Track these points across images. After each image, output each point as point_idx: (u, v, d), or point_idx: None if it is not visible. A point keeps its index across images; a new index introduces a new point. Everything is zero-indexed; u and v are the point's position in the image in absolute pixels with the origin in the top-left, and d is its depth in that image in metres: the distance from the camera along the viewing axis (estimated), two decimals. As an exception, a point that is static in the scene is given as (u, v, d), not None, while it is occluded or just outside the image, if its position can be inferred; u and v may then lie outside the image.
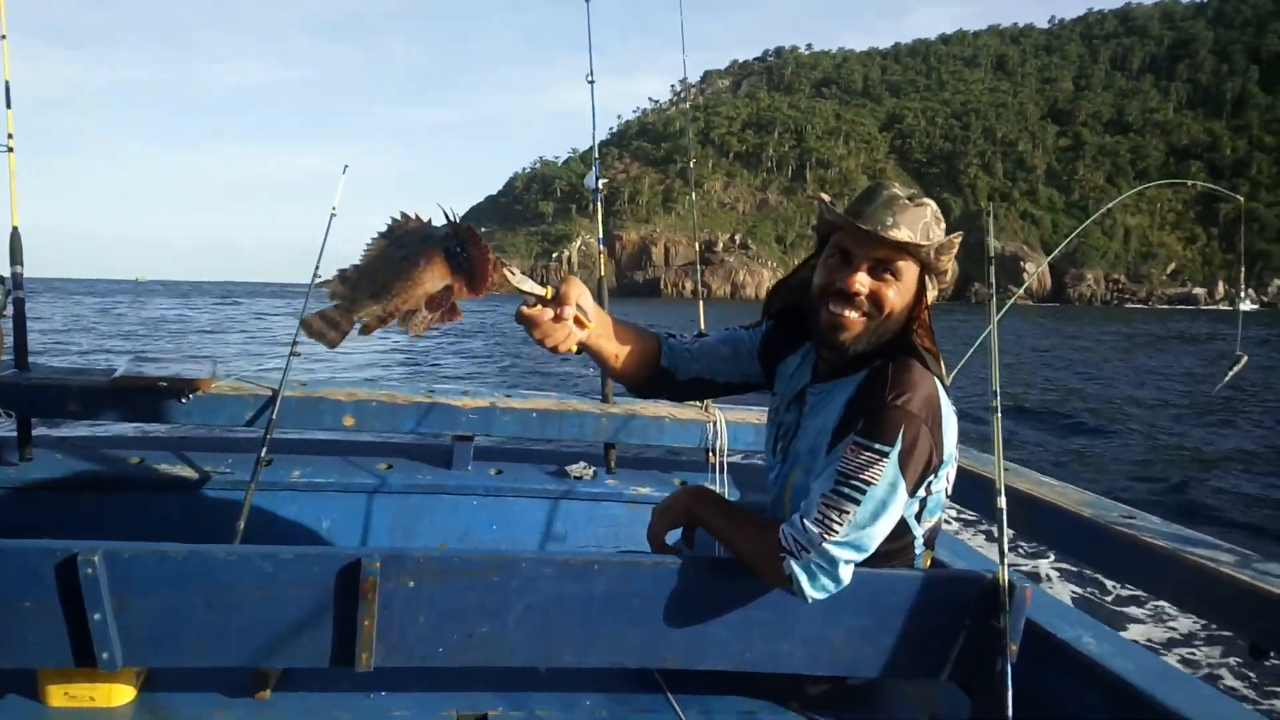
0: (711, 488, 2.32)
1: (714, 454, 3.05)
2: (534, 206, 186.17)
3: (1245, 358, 2.66)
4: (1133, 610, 5.50)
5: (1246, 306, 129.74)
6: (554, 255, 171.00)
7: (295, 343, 2.84)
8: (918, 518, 1.74)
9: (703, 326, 2.71)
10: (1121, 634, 2.01)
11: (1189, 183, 3.34)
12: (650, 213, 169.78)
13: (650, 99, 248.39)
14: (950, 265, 1.70)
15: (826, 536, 1.53)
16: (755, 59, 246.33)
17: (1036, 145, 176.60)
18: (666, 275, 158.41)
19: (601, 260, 3.50)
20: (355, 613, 1.58)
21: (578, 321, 1.54)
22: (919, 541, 1.76)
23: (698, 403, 3.12)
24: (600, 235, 3.48)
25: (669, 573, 1.69)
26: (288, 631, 1.59)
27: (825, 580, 1.58)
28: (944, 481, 1.71)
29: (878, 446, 1.54)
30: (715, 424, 3.07)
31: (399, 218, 1.36)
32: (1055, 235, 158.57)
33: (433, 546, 2.56)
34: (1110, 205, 3.61)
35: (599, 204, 3.36)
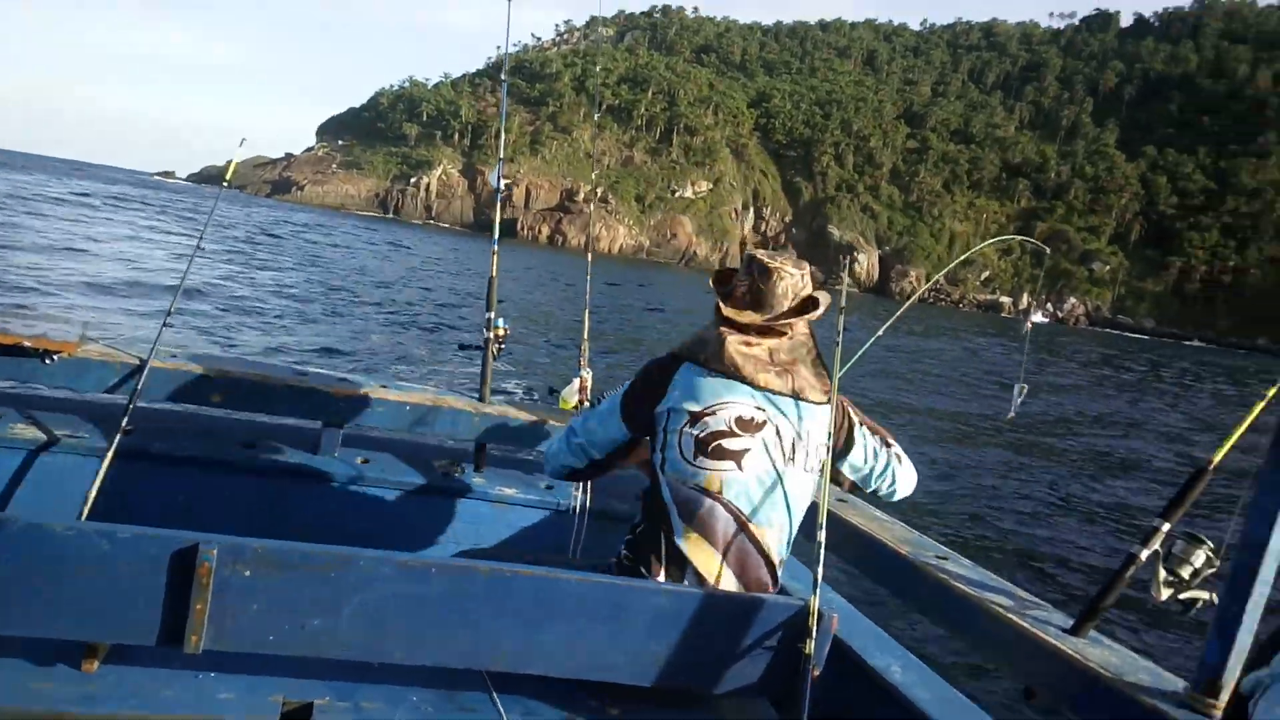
0: None
1: None
2: (397, 127, 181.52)
3: (1025, 386, 2.90)
4: (942, 644, 5.82)
5: (1038, 318, 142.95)
6: (411, 180, 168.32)
7: (170, 312, 2.90)
8: (662, 468, 2.09)
9: (589, 281, 3.22)
10: (927, 666, 2.19)
11: (1032, 241, 4.12)
12: (516, 153, 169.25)
13: (532, 34, 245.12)
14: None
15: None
16: (642, 13, 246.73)
17: (887, 144, 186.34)
18: (525, 218, 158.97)
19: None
20: (188, 596, 1.58)
21: None
22: (674, 510, 2.05)
23: (573, 409, 3.20)
24: (496, 236, 3.45)
25: (504, 580, 1.75)
26: (119, 608, 1.59)
27: (551, 444, 2.31)
28: (678, 434, 2.04)
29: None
30: None
31: None
32: (890, 230, 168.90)
33: (289, 532, 2.67)
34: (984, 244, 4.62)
35: (499, 204, 3.50)
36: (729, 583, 2.06)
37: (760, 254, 2.22)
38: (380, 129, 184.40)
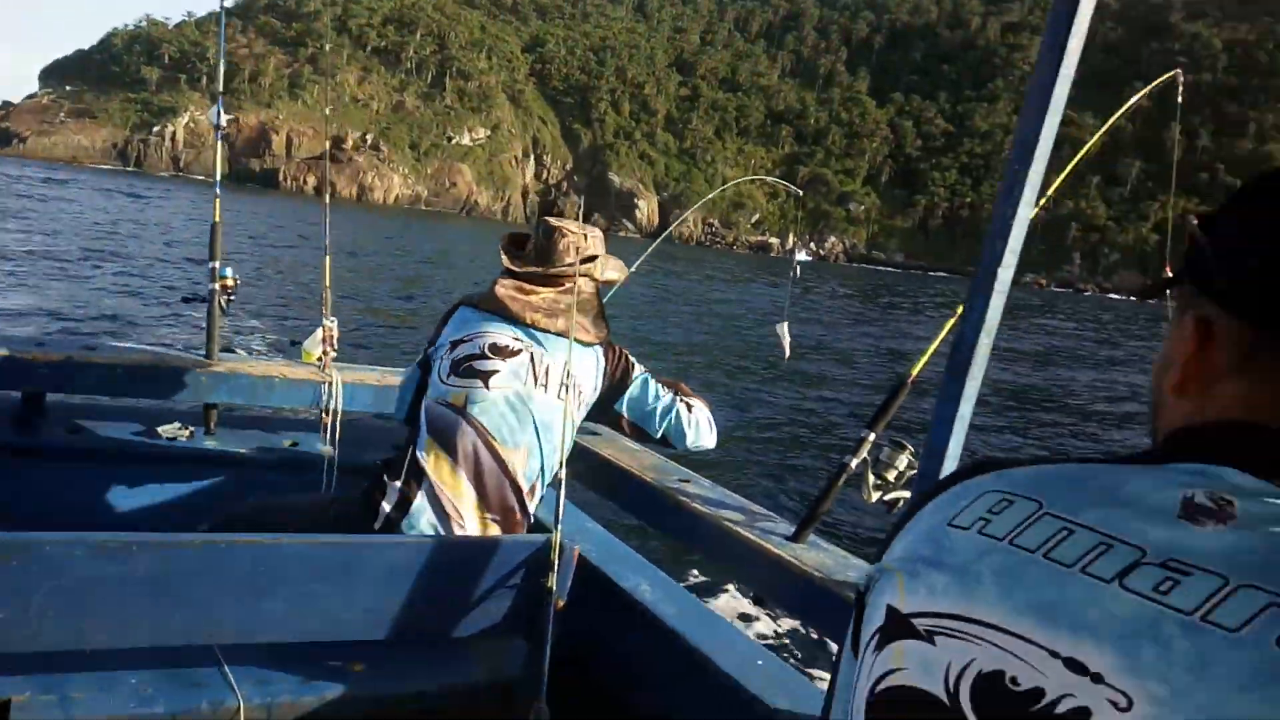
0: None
1: (327, 414, 2.81)
2: (135, 70, 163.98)
3: (786, 323, 2.98)
4: (690, 563, 5.92)
5: (803, 257, 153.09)
6: (154, 129, 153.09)
7: None
8: (422, 392, 2.23)
9: (327, 235, 2.94)
10: (674, 582, 2.34)
11: (790, 187, 3.98)
12: (274, 97, 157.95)
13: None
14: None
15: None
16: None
17: (660, 91, 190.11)
18: (287, 168, 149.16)
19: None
20: None
21: None
22: (423, 423, 2.15)
23: (316, 362, 3.00)
24: (218, 178, 3.07)
25: (217, 551, 1.67)
26: None
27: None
28: (439, 361, 2.22)
29: None
30: (331, 384, 2.83)
31: None
32: (666, 176, 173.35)
33: None
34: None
35: (219, 142, 3.10)
36: (469, 502, 2.10)
37: (549, 217, 2.38)
38: (115, 73, 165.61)
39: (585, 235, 2.32)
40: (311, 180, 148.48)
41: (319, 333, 2.96)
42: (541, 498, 2.03)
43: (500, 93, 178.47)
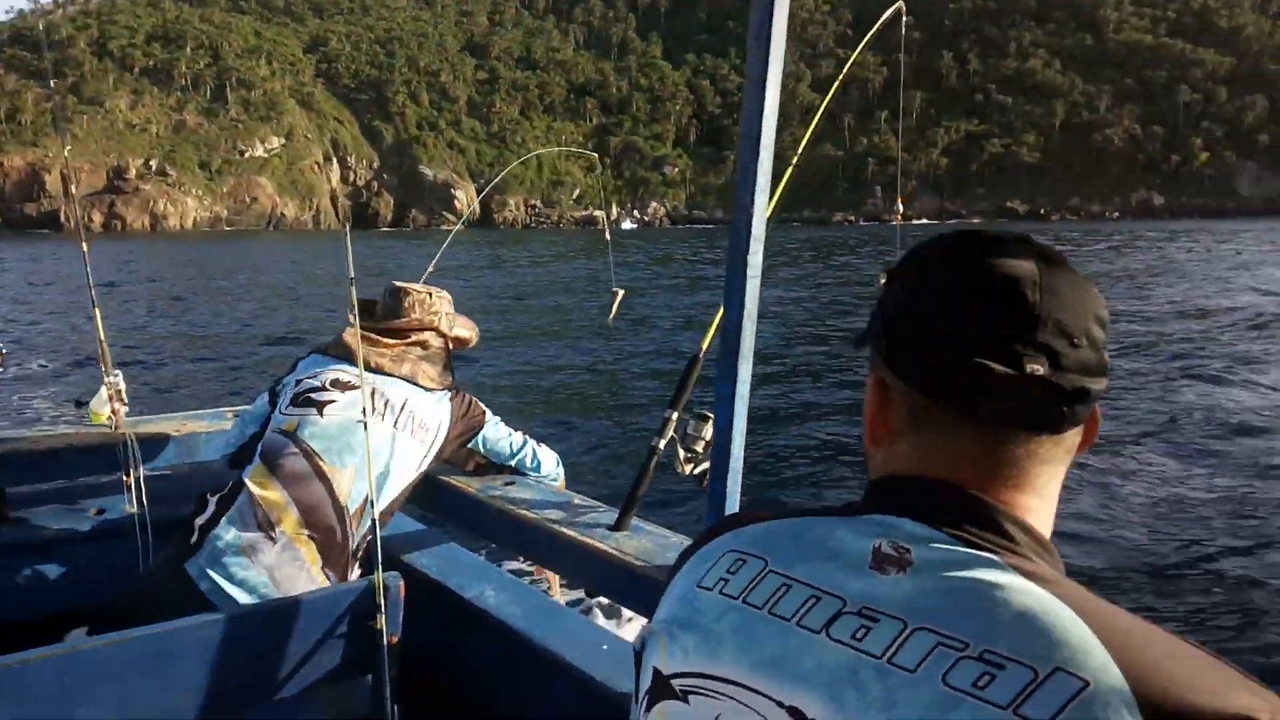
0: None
1: (129, 475, 2.56)
2: None
3: (621, 292, 2.95)
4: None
5: (627, 225, 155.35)
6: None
7: None
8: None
9: (87, 269, 2.60)
10: (519, 581, 2.41)
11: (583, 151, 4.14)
12: (37, 134, 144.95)
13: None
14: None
15: None
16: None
17: (457, 77, 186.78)
18: (68, 207, 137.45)
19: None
20: None
21: None
22: (259, 450, 2.18)
23: (106, 422, 2.81)
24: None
25: (12, 673, 1.56)
26: None
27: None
28: (282, 397, 2.27)
29: None
30: (128, 442, 2.53)
31: None
32: (479, 163, 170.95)
33: None
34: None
35: None
36: (290, 518, 2.08)
37: (395, 281, 2.52)
38: None
39: (430, 294, 2.46)
40: (97, 217, 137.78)
41: (103, 391, 2.76)
42: (372, 522, 1.97)
43: (288, 98, 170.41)
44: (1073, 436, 0.72)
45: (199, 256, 57.92)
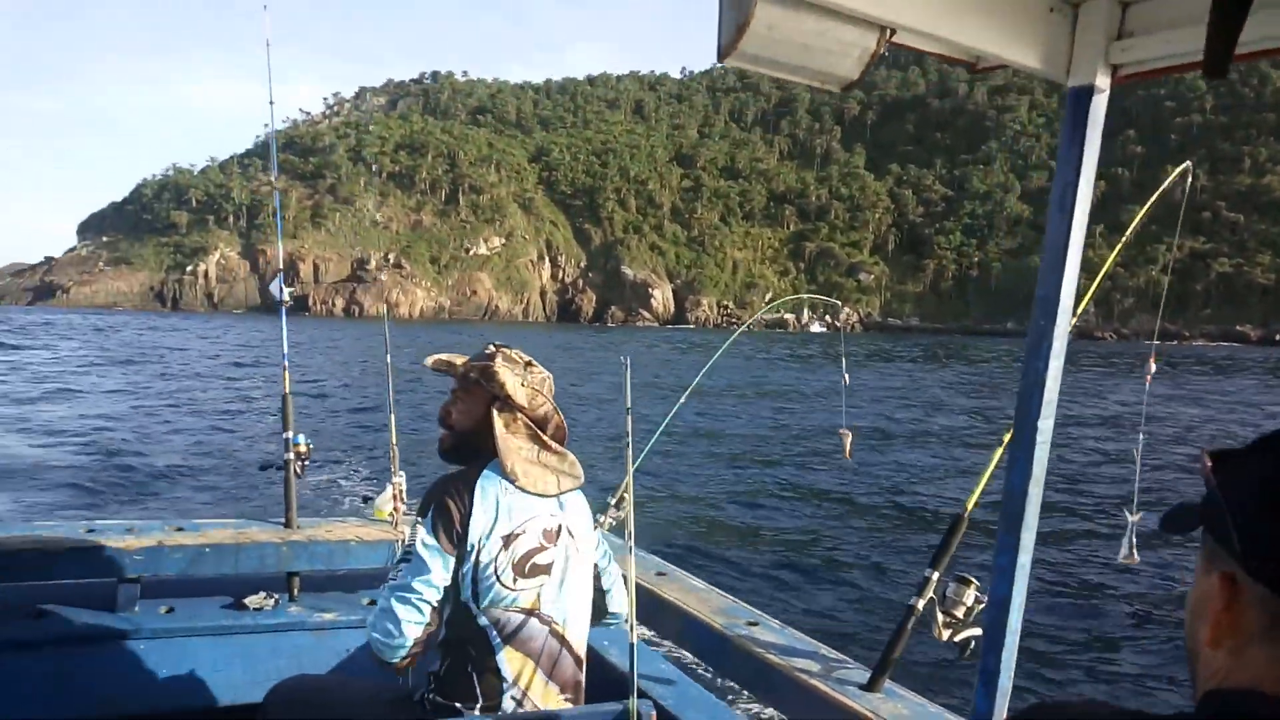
0: None
1: None
2: (165, 216, 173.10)
3: (850, 432, 2.90)
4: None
5: (816, 328, 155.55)
6: (188, 268, 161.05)
7: None
8: (475, 598, 1.95)
9: (390, 385, 2.97)
10: None
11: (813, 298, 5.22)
12: (298, 228, 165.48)
13: (301, 110, 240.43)
14: (515, 389, 2.04)
15: (387, 584, 1.95)
16: (412, 80, 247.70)
17: (664, 185, 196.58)
18: (315, 292, 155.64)
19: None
20: None
21: None
22: (493, 633, 1.96)
23: (387, 519, 3.03)
24: (285, 350, 3.33)
25: None
26: None
27: (383, 623, 1.90)
28: (494, 561, 1.95)
29: (415, 517, 1.96)
30: (403, 540, 2.51)
31: None
32: (678, 265, 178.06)
33: (88, 702, 2.46)
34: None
35: (283, 314, 3.34)
36: (538, 685, 2.03)
37: (542, 371, 2.20)
38: (147, 220, 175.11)
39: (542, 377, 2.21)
40: (340, 302, 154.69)
41: (389, 490, 3.09)
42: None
43: (511, 202, 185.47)
44: None
45: (428, 341, 62.92)
